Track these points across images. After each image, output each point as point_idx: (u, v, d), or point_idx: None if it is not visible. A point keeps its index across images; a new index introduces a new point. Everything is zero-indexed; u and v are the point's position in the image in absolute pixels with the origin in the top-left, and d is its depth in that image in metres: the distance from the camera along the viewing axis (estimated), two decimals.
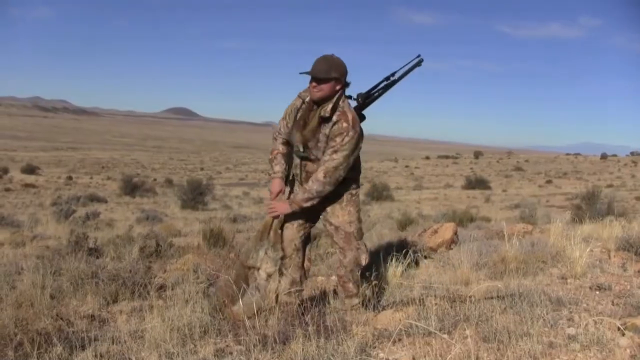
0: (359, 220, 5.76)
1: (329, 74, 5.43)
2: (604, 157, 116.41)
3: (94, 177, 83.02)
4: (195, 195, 39.80)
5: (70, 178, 76.62)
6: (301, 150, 5.65)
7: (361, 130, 5.53)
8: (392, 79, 5.86)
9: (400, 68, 5.87)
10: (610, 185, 62.47)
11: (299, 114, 5.71)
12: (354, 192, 5.74)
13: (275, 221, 5.76)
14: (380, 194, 50.27)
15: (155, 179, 79.13)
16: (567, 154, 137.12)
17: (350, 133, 5.36)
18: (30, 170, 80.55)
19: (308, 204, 5.54)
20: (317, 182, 5.43)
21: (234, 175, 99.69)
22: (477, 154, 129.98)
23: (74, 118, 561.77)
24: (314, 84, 5.48)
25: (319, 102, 5.52)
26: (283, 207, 5.63)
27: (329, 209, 5.70)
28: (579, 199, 22.60)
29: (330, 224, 5.74)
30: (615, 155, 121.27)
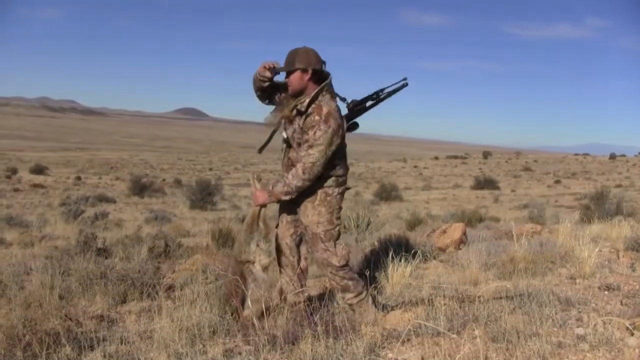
0: (330, 222, 5.61)
1: (292, 65, 5.45)
2: (612, 157, 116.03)
3: (103, 177, 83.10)
4: (204, 196, 39.87)
5: (78, 178, 76.76)
6: (284, 135, 5.66)
7: (338, 126, 5.44)
8: (380, 95, 5.86)
9: (389, 86, 5.86)
10: (619, 186, 62.32)
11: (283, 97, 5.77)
12: (330, 191, 5.62)
13: (263, 210, 5.72)
14: (389, 194, 50.28)
15: (164, 179, 79.17)
16: (576, 154, 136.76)
17: (322, 127, 5.33)
18: (38, 170, 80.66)
19: (286, 198, 5.51)
20: (296, 177, 5.40)
21: (242, 175, 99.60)
22: (486, 154, 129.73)
23: (82, 118, 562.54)
24: (286, 78, 5.56)
25: (296, 95, 5.54)
26: (263, 197, 5.59)
27: (302, 206, 5.65)
28: (588, 199, 22.59)
29: (302, 222, 5.71)
30: (623, 156, 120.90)
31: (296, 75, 5.47)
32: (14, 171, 75.78)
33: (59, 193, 56.27)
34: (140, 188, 53.74)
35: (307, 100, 5.43)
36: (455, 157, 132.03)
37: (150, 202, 46.89)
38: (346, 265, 5.68)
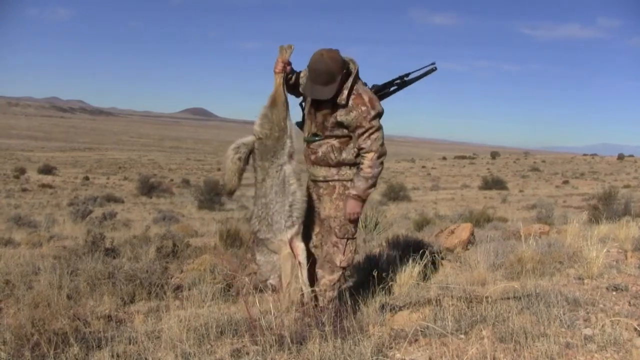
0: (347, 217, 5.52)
1: (335, 78, 5.30)
2: (620, 157, 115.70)
3: (111, 177, 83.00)
4: (212, 196, 39.96)
5: (87, 178, 76.74)
6: (315, 136, 5.57)
7: (381, 107, 5.43)
8: (406, 79, 5.82)
9: (415, 71, 5.82)
10: (627, 186, 62.10)
11: (305, 104, 5.76)
12: (349, 185, 5.49)
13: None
14: (397, 194, 50.32)
15: (172, 180, 79.14)
16: (584, 155, 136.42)
17: (372, 112, 5.31)
18: (47, 170, 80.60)
19: (371, 190, 5.45)
20: (374, 165, 5.34)
21: (250, 175, 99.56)
22: (494, 155, 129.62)
23: (91, 118, 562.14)
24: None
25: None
26: (355, 210, 5.45)
27: (320, 199, 5.59)
28: (596, 199, 22.51)
29: (319, 214, 5.63)
30: (632, 156, 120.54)
31: (339, 83, 5.32)
32: (22, 171, 75.77)
33: (67, 193, 56.36)
34: (148, 188, 53.92)
35: (345, 93, 5.34)
36: (463, 157, 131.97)
37: (158, 202, 47.02)
38: (346, 268, 5.66)
